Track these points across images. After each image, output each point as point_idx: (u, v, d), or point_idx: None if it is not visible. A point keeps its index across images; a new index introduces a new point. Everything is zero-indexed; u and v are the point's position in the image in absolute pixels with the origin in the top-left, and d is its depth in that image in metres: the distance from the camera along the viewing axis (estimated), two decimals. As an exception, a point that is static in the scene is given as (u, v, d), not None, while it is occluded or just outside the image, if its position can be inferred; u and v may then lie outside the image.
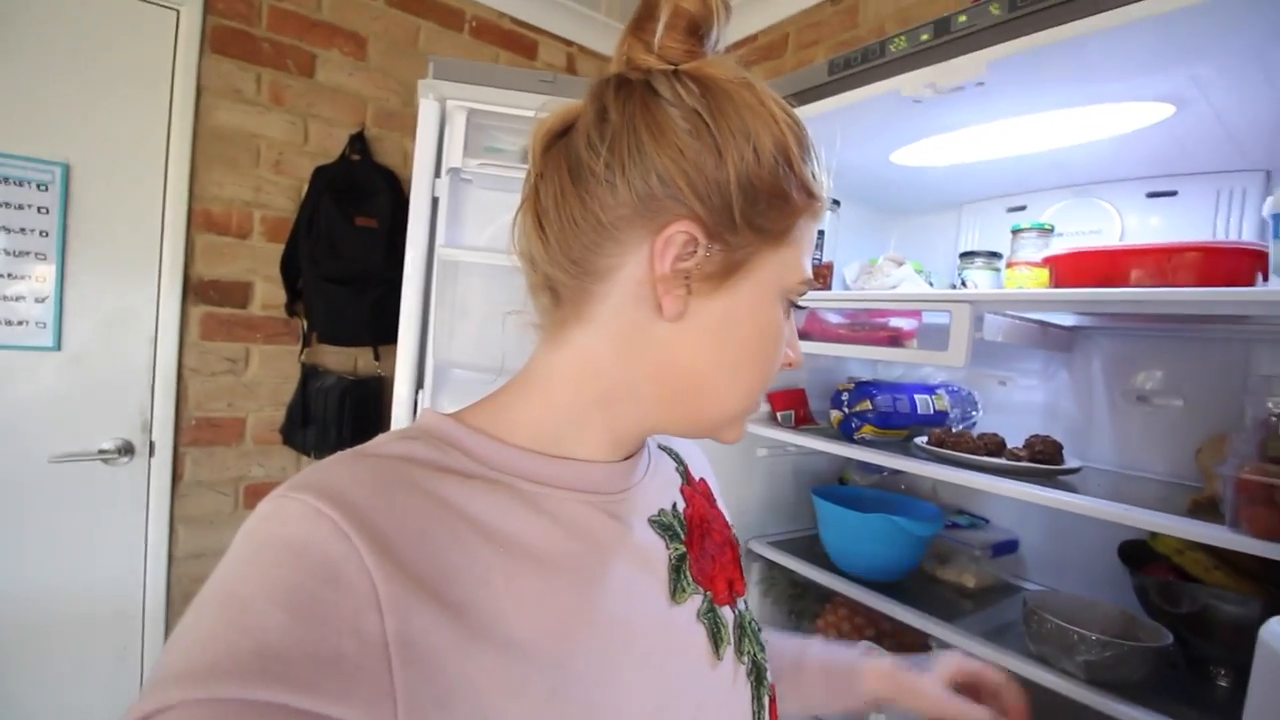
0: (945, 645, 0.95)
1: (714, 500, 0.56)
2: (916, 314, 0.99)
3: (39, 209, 1.44)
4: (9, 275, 1.42)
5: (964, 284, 1.08)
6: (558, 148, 0.41)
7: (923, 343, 0.97)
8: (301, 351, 1.77)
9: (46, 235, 1.45)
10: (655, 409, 0.42)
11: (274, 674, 0.26)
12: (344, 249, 1.69)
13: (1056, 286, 0.88)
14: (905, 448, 1.06)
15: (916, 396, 1.10)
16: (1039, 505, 0.79)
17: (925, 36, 0.80)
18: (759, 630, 0.52)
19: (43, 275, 1.46)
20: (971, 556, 1.07)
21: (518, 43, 2.08)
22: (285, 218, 1.72)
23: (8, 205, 1.41)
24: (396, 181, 1.80)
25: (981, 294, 0.87)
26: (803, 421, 1.23)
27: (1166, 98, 0.77)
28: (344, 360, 1.84)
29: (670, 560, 0.45)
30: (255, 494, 1.73)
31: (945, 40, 0.78)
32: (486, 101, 1.10)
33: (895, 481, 1.31)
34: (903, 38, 0.82)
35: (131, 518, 1.58)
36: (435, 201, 1.14)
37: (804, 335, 1.14)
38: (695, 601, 0.45)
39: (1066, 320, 1.00)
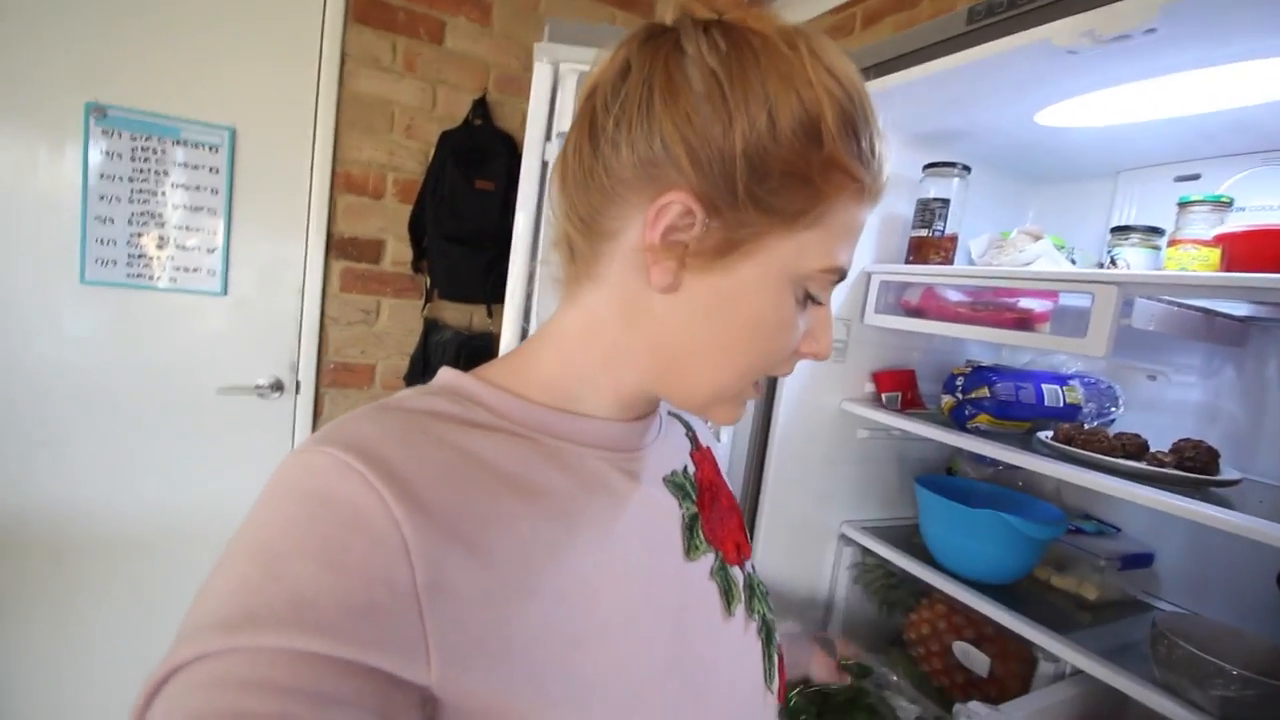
0: (1053, 659, 0.87)
1: (719, 469, 0.56)
2: (1053, 295, 0.89)
3: (210, 169, 1.63)
4: (187, 228, 1.63)
5: (1114, 263, 0.96)
6: (588, 101, 0.40)
7: (1057, 327, 0.87)
8: (424, 306, 1.90)
9: (216, 193, 1.65)
10: (650, 376, 0.42)
11: (309, 623, 0.27)
12: (463, 210, 1.78)
13: (1229, 270, 0.75)
14: (1026, 441, 0.97)
15: (1044, 386, 1.00)
16: (1182, 519, 0.70)
17: (1086, -24, 0.69)
18: (767, 592, 0.54)
19: (213, 229, 1.65)
20: (1095, 566, 0.97)
21: (635, 3, 2.05)
22: (414, 180, 1.84)
23: (187, 166, 1.61)
24: (514, 145, 1.86)
25: (1132, 275, 0.76)
26: (910, 405, 1.16)
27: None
28: (461, 316, 1.95)
29: (684, 519, 0.46)
30: (380, 435, 1.90)
31: (1111, -20, 0.67)
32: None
33: (1012, 477, 1.21)
34: (1057, -21, 0.72)
35: (280, 446, 1.79)
36: (545, 165, 1.16)
37: (917, 312, 1.06)
38: (708, 560, 0.46)
39: (1239, 310, 0.86)
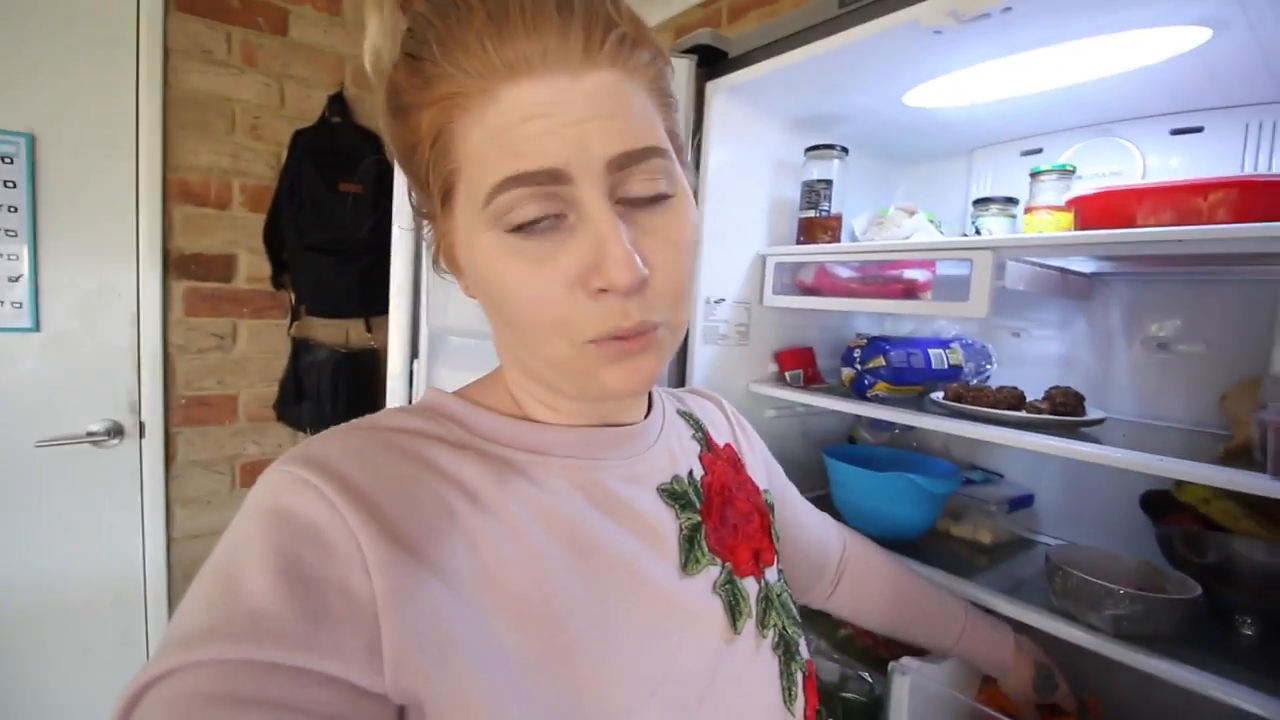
0: (971, 602, 0.93)
1: (740, 466, 0.53)
2: (930, 265, 0.94)
3: (5, 183, 1.38)
4: (-21, 254, 1.36)
5: (978, 232, 1.04)
6: None
7: (938, 294, 0.93)
8: (290, 325, 1.72)
9: (15, 210, 1.39)
10: (533, 378, 0.41)
11: (266, 633, 0.27)
12: (328, 216, 1.63)
13: (1082, 230, 0.83)
14: (920, 404, 1.03)
15: (930, 351, 1.07)
16: (1054, 458, 0.76)
17: (946, -42, 0.73)
18: (790, 602, 0.50)
19: (15, 253, 1.39)
20: (986, 512, 1.05)
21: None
22: (266, 186, 1.65)
23: (-30, 179, 1.34)
24: (380, 144, 1.72)
25: (1006, 239, 0.83)
26: (812, 380, 1.20)
27: (1204, 20, 0.72)
28: (335, 333, 1.79)
29: (681, 531, 0.43)
30: (252, 472, 1.70)
31: (969, -39, 0.72)
32: (472, 51, 1.03)
33: (907, 439, 1.28)
34: (920, -38, 0.76)
35: (126, 500, 1.55)
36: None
37: (812, 291, 1.09)
38: (711, 573, 0.44)
39: (1086, 266, 0.96)
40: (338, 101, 1.70)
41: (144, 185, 1.50)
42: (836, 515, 1.09)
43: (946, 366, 1.08)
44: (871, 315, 1.34)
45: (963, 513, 1.08)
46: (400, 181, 1.16)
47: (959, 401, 0.93)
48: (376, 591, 0.30)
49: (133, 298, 1.52)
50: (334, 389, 1.68)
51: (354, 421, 0.39)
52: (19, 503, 1.42)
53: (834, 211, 1.11)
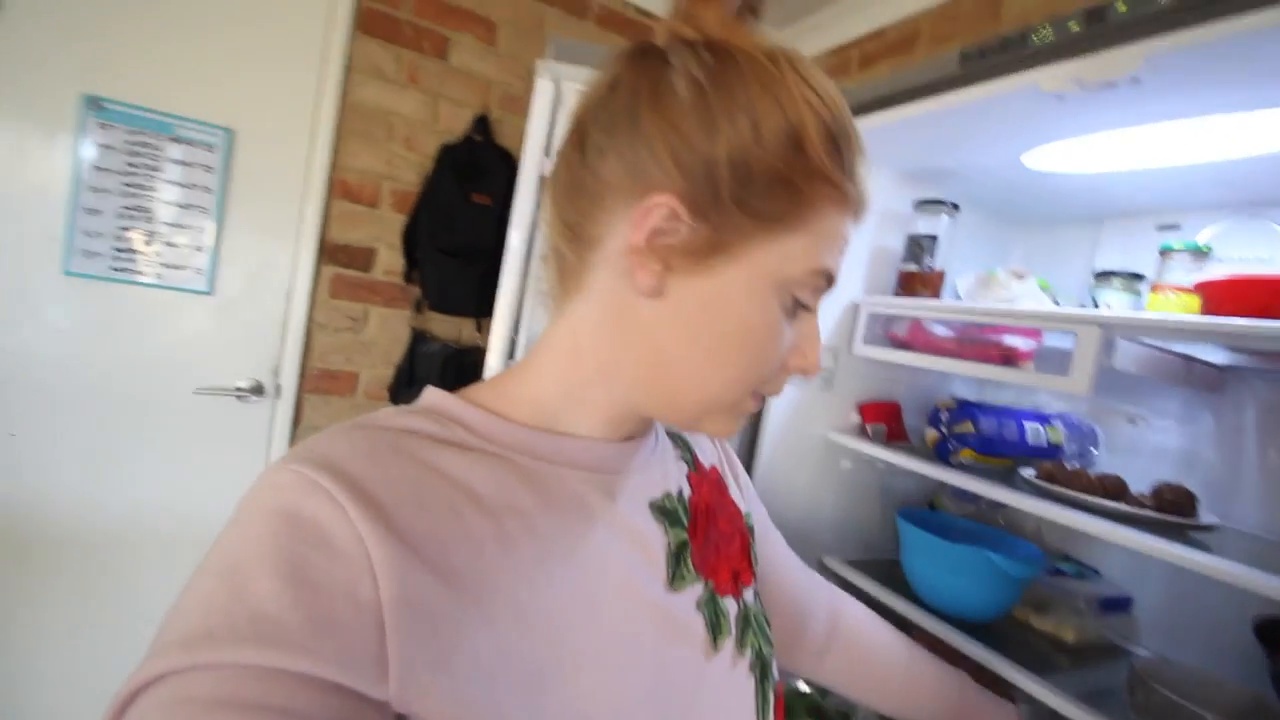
0: (1032, 700, 0.86)
1: (724, 489, 0.55)
2: (1036, 333, 0.90)
3: (205, 168, 1.63)
4: (178, 225, 1.62)
5: (1096, 306, 0.98)
6: (578, 115, 0.42)
7: (1041, 366, 0.88)
8: (413, 317, 1.89)
9: (210, 192, 1.64)
10: (638, 390, 0.41)
11: (268, 638, 0.27)
12: (458, 224, 1.79)
13: (1206, 315, 0.77)
14: (1009, 478, 0.97)
15: (1027, 424, 1.01)
16: (1161, 563, 0.70)
17: (1074, 26, 0.72)
18: (767, 624, 0.51)
19: (203, 227, 1.64)
20: (1075, 608, 0.96)
21: (641, 31, 2.09)
22: (410, 191, 1.84)
23: (182, 163, 1.60)
24: (513, 163, 1.87)
25: (1114, 315, 0.78)
26: (894, 437, 1.16)
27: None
28: (450, 328, 1.94)
29: (669, 547, 0.44)
30: (359, 445, 1.87)
31: (1097, 31, 0.70)
32: (601, 85, 1.11)
33: (993, 515, 1.20)
34: (1048, 27, 0.74)
35: (256, 451, 1.75)
36: (541, 181, 1.17)
37: (904, 345, 1.07)
38: (695, 590, 0.44)
39: (1218, 357, 0.88)
40: (481, 122, 1.87)
41: (312, 181, 1.72)
42: (904, 583, 1.05)
43: (1045, 443, 1.01)
44: (969, 381, 1.28)
45: (1047, 605, 1.00)
46: (526, 195, 1.26)
47: (1050, 481, 0.87)
48: (383, 597, 0.30)
49: (289, 275, 1.74)
50: (441, 379, 1.82)
51: (358, 420, 0.38)
52: (174, 438, 1.65)
53: (937, 268, 1.08)
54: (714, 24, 0.38)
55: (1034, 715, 0.87)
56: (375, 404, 1.89)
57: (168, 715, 0.25)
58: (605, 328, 0.40)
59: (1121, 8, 0.68)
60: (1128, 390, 1.06)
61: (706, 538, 0.48)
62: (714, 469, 0.55)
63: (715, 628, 0.44)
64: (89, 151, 1.51)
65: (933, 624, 0.95)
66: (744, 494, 0.61)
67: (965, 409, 1.00)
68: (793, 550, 1.20)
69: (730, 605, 0.47)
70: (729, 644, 0.45)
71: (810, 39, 2.04)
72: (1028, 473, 0.92)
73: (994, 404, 1.07)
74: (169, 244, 1.61)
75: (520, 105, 1.93)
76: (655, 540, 0.44)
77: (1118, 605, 0.98)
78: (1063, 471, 0.88)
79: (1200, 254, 0.84)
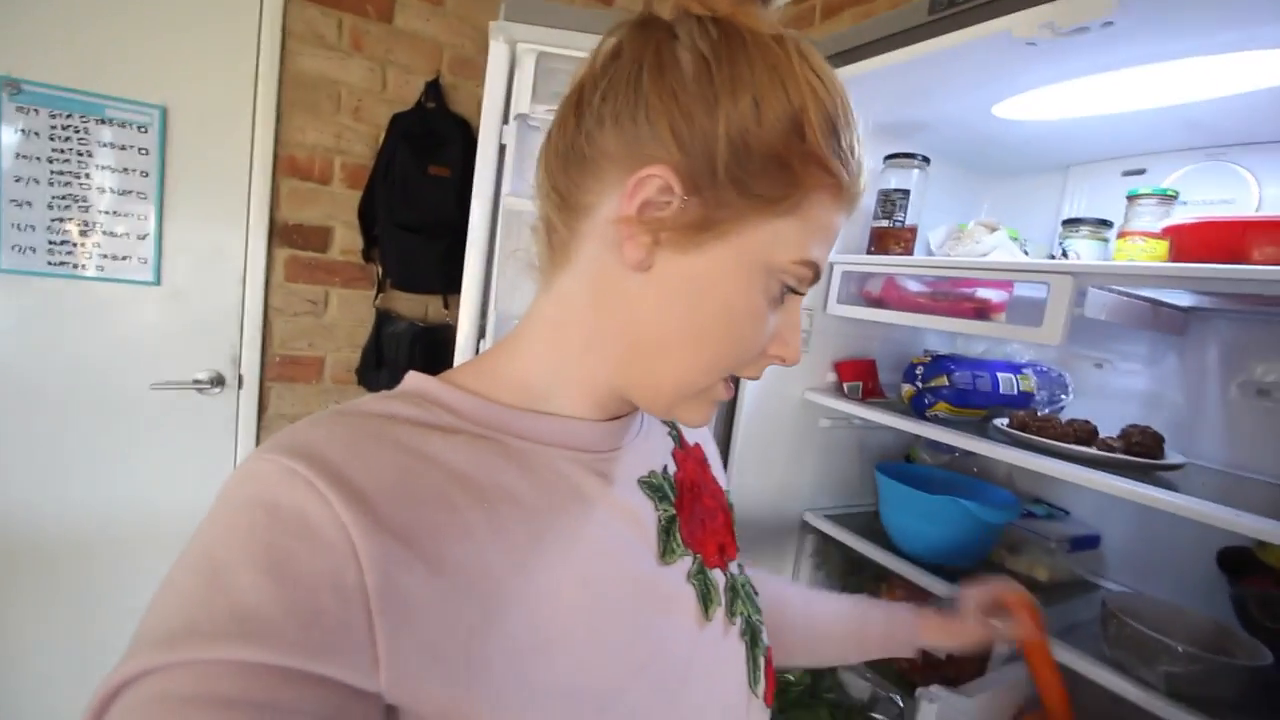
0: (1008, 640, 0.90)
1: (706, 465, 0.55)
2: (1008, 285, 0.90)
3: (140, 150, 1.53)
4: (115, 213, 1.52)
5: (1065, 255, 0.98)
6: (577, 82, 0.41)
7: (1013, 317, 0.89)
8: (376, 297, 1.83)
9: (147, 175, 1.54)
10: (618, 369, 0.41)
11: (253, 633, 0.26)
12: (417, 197, 1.72)
13: (1177, 261, 0.78)
14: (982, 429, 0.99)
15: (999, 375, 1.02)
16: (1128, 501, 0.72)
17: (1046, -33, 0.70)
18: (754, 593, 0.53)
19: (143, 213, 1.55)
20: (1046, 549, 1.00)
21: (598, -14, 2.01)
22: (364, 165, 1.76)
23: (114, 146, 1.50)
24: (470, 130, 1.80)
25: (1086, 265, 0.78)
26: (870, 394, 1.17)
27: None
28: (416, 307, 1.89)
29: (660, 522, 0.45)
30: (331, 430, 1.83)
31: (1070, -29, 0.68)
32: (557, 45, 1.06)
33: (968, 464, 1.24)
34: (1017, -30, 0.73)
35: (221, 444, 1.70)
36: (502, 149, 1.12)
37: (878, 302, 1.07)
38: (685, 563, 0.45)
39: (1183, 300, 0.90)
40: (434, 88, 1.78)
41: (257, 159, 1.63)
42: (883, 535, 1.08)
43: (1016, 392, 1.03)
44: (943, 334, 1.29)
45: (1020, 546, 1.04)
46: (486, 165, 1.21)
47: (1023, 430, 0.89)
48: (369, 586, 0.29)
49: (241, 261, 1.66)
50: (410, 359, 1.78)
51: (339, 407, 0.37)
52: (131, 437, 1.59)
53: (909, 223, 1.08)
54: (726, 5, 0.37)
55: (1012, 654, 0.91)
56: (342, 388, 1.84)
57: (149, 712, 0.25)
58: (590, 301, 0.40)
59: (1090, -52, 0.66)
60: (1095, 335, 1.08)
61: (693, 513, 0.48)
62: (697, 446, 0.56)
63: (706, 598, 0.45)
64: (10, 138, 1.41)
65: (911, 571, 0.98)
66: (721, 472, 0.62)
67: (939, 363, 1.01)
68: (774, 507, 1.21)
69: (718, 577, 0.48)
70: (719, 613, 0.46)
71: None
72: (1001, 422, 0.94)
73: (967, 356, 1.08)
74: (108, 233, 1.52)
75: (474, 69, 1.84)
76: (646, 516, 0.44)
77: (1087, 543, 1.02)
78: (1034, 419, 0.90)
79: (1167, 198, 0.85)
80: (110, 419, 1.56)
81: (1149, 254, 0.85)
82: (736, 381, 1.10)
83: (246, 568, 0.28)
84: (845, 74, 0.94)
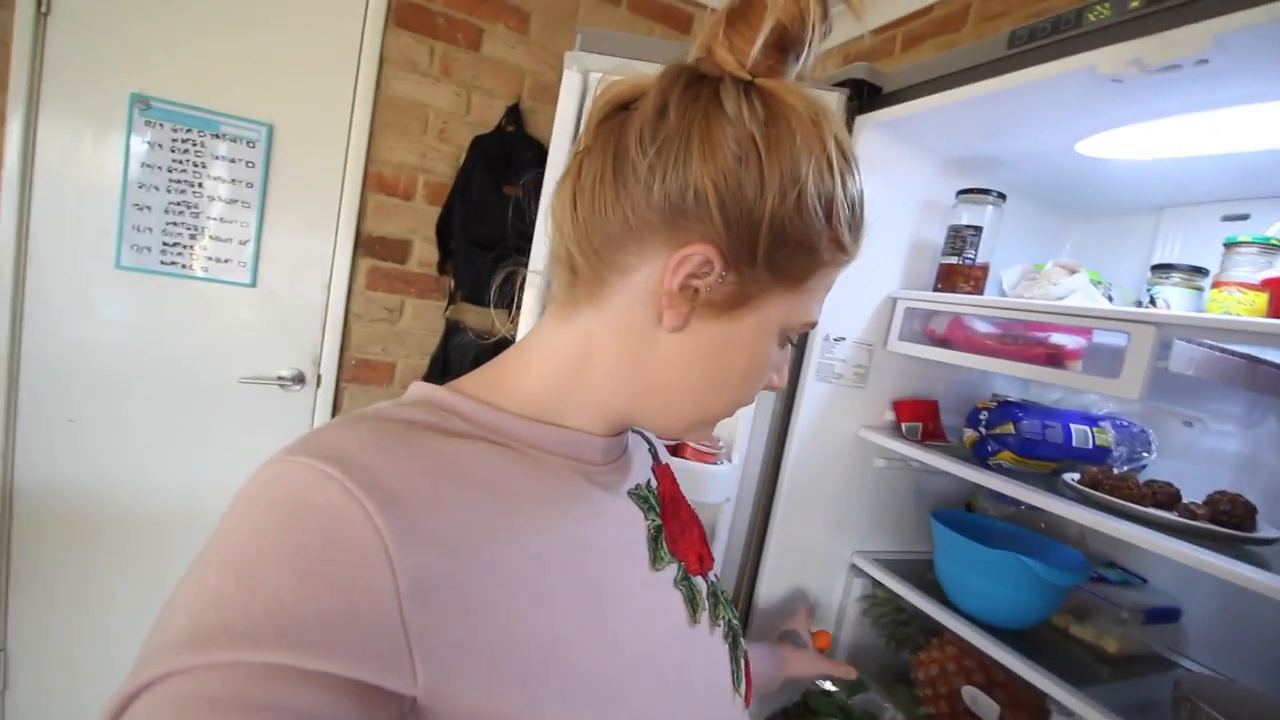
0: (1067, 713, 0.83)
1: (676, 482, 0.58)
2: (1086, 332, 0.85)
3: (247, 163, 1.67)
4: (222, 219, 1.66)
5: (1153, 302, 0.92)
6: (612, 123, 0.40)
7: (1090, 366, 0.84)
8: (447, 308, 1.91)
9: (251, 187, 1.68)
10: (638, 404, 0.44)
11: (289, 636, 0.26)
12: (491, 215, 1.79)
13: (1277, 316, 0.71)
14: (1050, 483, 0.93)
15: (1073, 426, 0.96)
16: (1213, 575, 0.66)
17: (1134, 2, 0.67)
18: (731, 599, 0.57)
19: (246, 220, 1.68)
20: (1118, 618, 0.92)
21: (673, 17, 2.06)
22: (444, 183, 1.85)
23: (225, 159, 1.65)
24: (544, 153, 1.86)
25: (1171, 315, 0.73)
26: (930, 436, 1.12)
27: None
28: (483, 320, 1.96)
29: (649, 530, 0.47)
30: (396, 433, 1.91)
31: (1160, 8, 0.65)
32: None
33: (1035, 519, 1.16)
34: (1106, 4, 0.70)
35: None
36: (571, 174, 1.16)
37: (943, 341, 1.03)
38: (672, 570, 0.47)
39: (1287, 358, 0.82)
40: (514, 112, 1.86)
41: (349, 174, 1.75)
42: (936, 586, 1.02)
43: (1091, 446, 0.97)
44: (1013, 379, 1.23)
45: (1089, 613, 0.96)
46: (551, 186, 1.25)
47: (1094, 487, 0.83)
48: (401, 589, 0.29)
49: (327, 268, 1.77)
50: (472, 369, 1.84)
51: (360, 412, 0.38)
52: (219, 425, 1.72)
53: (980, 261, 1.03)
54: (761, 66, 0.39)
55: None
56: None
57: (171, 715, 0.25)
58: (620, 347, 0.42)
59: (1184, -14, 0.63)
60: (1185, 391, 1.00)
61: (674, 524, 0.51)
62: (667, 465, 0.59)
63: (693, 602, 0.48)
64: (137, 148, 1.57)
65: (966, 629, 0.92)
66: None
67: (1006, 409, 0.96)
68: (821, 547, 1.19)
69: (700, 583, 0.50)
70: (705, 617, 0.49)
71: (850, 21, 1.97)
72: (1071, 477, 0.88)
73: (1038, 404, 1.02)
74: (214, 238, 1.66)
75: (551, 95, 1.91)
76: (638, 524, 0.47)
77: (1165, 616, 0.94)
78: (1109, 477, 0.84)
79: (1271, 247, 0.78)
80: (200, 406, 1.69)
81: (1246, 307, 0.78)
82: (787, 409, 1.08)
83: (280, 569, 0.28)
84: (919, 106, 0.92)
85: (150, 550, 1.69)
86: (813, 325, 0.44)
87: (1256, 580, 0.62)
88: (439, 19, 1.78)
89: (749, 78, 0.38)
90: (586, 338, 0.43)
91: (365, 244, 1.80)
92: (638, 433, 0.57)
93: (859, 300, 1.09)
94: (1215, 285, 0.83)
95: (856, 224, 0.42)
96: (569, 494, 0.41)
